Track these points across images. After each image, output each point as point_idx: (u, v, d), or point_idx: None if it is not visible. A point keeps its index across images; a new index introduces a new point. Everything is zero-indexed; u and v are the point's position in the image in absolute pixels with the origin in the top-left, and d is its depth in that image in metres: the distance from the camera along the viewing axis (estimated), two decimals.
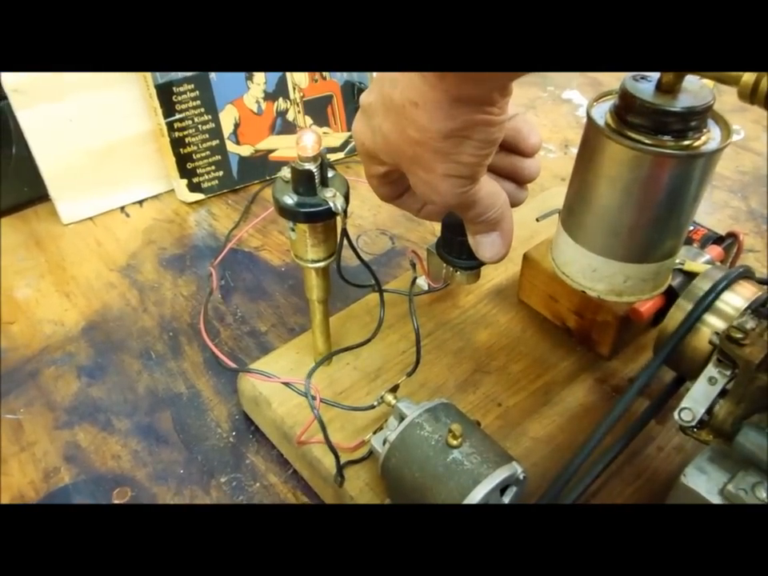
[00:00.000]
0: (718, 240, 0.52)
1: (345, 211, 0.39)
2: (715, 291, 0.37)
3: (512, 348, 0.52)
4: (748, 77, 0.31)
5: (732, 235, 0.53)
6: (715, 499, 0.31)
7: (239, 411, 0.51)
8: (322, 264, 0.42)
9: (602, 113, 0.38)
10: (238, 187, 0.73)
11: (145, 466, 0.48)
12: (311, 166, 0.38)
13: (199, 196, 0.72)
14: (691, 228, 0.53)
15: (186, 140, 0.68)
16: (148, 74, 0.65)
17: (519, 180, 0.41)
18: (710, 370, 0.35)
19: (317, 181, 0.38)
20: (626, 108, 0.36)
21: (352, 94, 0.76)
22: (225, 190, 0.73)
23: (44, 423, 0.50)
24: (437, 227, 0.51)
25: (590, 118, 0.37)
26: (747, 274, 0.39)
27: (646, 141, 0.35)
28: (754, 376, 0.32)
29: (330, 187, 0.39)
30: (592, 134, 0.37)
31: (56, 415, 0.51)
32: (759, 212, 0.70)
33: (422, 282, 0.54)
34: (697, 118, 0.35)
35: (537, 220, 0.53)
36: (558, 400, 0.48)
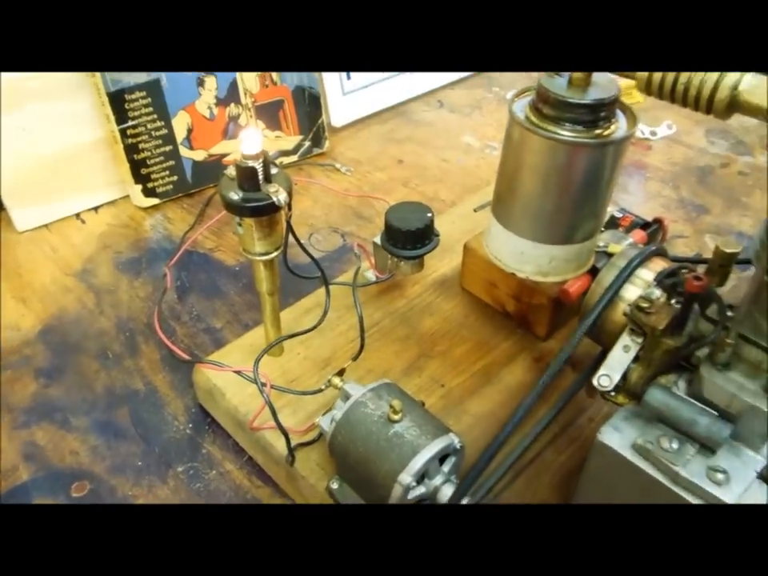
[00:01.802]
0: (644, 226, 0.56)
1: (288, 205, 0.42)
2: (630, 267, 0.40)
3: (455, 333, 0.55)
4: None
5: (657, 221, 0.57)
6: (627, 453, 0.34)
7: (195, 404, 0.53)
8: (269, 257, 0.45)
9: (521, 107, 0.41)
10: (192, 191, 0.75)
11: (103, 460, 0.49)
12: (254, 164, 0.40)
13: (154, 201, 0.73)
14: (620, 215, 0.57)
15: (140, 146, 0.70)
16: (100, 82, 0.66)
17: None
18: (624, 338, 0.38)
19: (260, 177, 0.41)
20: (543, 102, 0.39)
21: (303, 98, 0.79)
22: (180, 194, 0.74)
23: (2, 424, 0.52)
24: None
25: (511, 113, 0.40)
26: (660, 252, 0.42)
27: (561, 132, 0.39)
28: (659, 341, 0.35)
29: (273, 183, 0.41)
30: (514, 128, 0.40)
31: (13, 416, 0.52)
32: (689, 200, 0.75)
33: (370, 274, 0.57)
34: (605, 109, 0.39)
35: (474, 210, 0.56)
36: (497, 379, 0.51)
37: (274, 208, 0.41)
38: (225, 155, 0.76)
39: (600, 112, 0.38)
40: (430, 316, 0.56)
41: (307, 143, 0.81)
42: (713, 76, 0.32)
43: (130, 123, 0.69)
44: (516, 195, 0.41)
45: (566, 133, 0.38)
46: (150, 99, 0.70)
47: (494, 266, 0.54)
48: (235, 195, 0.41)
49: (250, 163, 0.40)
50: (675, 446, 0.33)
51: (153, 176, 0.72)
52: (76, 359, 0.57)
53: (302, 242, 0.44)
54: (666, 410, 0.34)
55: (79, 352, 0.57)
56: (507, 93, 0.97)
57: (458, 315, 0.56)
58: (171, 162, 0.73)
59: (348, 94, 0.87)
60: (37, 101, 0.66)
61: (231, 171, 0.42)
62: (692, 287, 0.33)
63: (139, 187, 0.72)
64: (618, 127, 0.39)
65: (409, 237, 0.51)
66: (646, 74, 0.34)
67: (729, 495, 0.32)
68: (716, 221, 0.71)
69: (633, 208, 0.61)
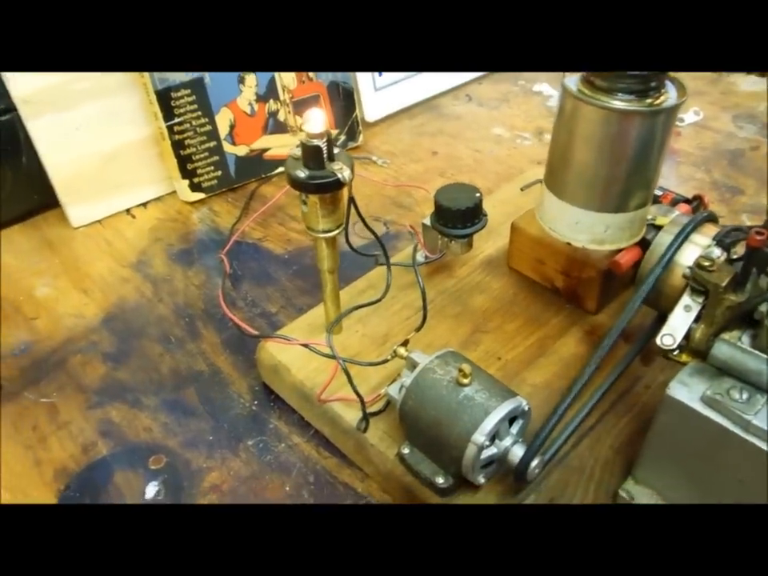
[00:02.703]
0: (685, 202, 0.58)
1: (350, 182, 0.44)
2: (685, 231, 0.42)
3: (506, 310, 0.57)
4: None
5: (697, 198, 0.58)
6: (697, 406, 0.36)
7: (258, 383, 0.55)
8: (331, 234, 0.47)
9: (574, 82, 0.43)
10: (236, 185, 0.78)
11: (175, 435, 0.52)
12: (319, 142, 0.42)
13: (200, 195, 0.76)
14: (660, 193, 0.58)
15: (186, 142, 0.73)
16: (148, 81, 0.69)
17: None
18: (685, 299, 0.40)
19: (324, 155, 0.43)
20: (595, 74, 0.41)
21: (337, 93, 0.81)
22: (224, 189, 0.77)
23: (77, 404, 0.54)
24: (426, 211, 0.56)
25: (564, 87, 0.42)
26: (711, 218, 0.44)
27: (614, 101, 0.41)
28: (722, 298, 0.37)
29: (337, 161, 0.44)
30: (567, 101, 0.42)
31: (87, 397, 0.55)
32: (722, 182, 0.76)
33: (419, 256, 0.59)
34: (655, 79, 0.41)
35: (521, 189, 0.58)
36: (551, 351, 0.53)
37: (338, 185, 0.43)
38: (265, 150, 0.78)
39: (650, 82, 0.41)
40: (480, 294, 0.58)
41: (343, 137, 0.83)
42: None
43: (177, 120, 0.71)
44: (570, 166, 0.43)
45: (618, 102, 0.40)
46: (194, 96, 0.72)
47: (541, 243, 0.56)
48: (301, 173, 0.43)
49: (315, 142, 0.43)
50: (745, 396, 0.35)
51: (198, 171, 0.75)
52: (140, 344, 0.59)
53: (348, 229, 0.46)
54: (734, 363, 0.36)
55: (142, 337, 0.60)
56: (533, 86, 0.99)
57: (508, 293, 0.58)
58: (215, 158, 0.75)
59: (380, 90, 0.89)
60: (89, 101, 0.69)
61: (296, 152, 0.44)
62: (754, 241, 0.35)
63: (186, 182, 0.74)
64: (669, 97, 0.41)
65: (459, 216, 0.53)
66: None
67: None
68: (751, 201, 0.73)
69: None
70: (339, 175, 0.43)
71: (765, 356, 0.35)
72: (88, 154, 0.70)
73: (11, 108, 0.66)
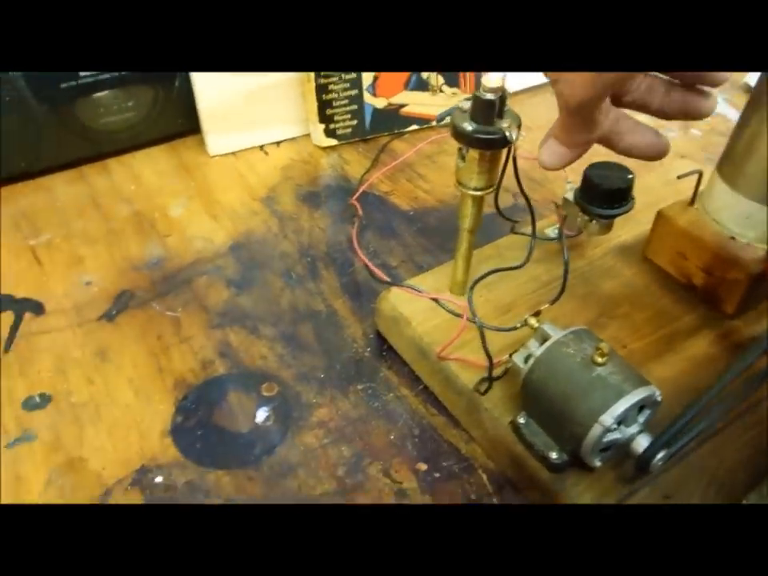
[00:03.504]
0: None
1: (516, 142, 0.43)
2: None
3: (636, 299, 0.54)
4: None
5: None
6: None
7: (373, 331, 0.55)
8: (482, 192, 0.46)
9: None
10: (368, 137, 0.78)
11: (289, 367, 0.53)
12: (493, 96, 0.41)
13: (333, 141, 0.76)
14: None
15: (329, 87, 0.73)
16: None
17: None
18: None
19: (495, 111, 0.42)
20: None
21: None
22: (357, 139, 0.77)
23: (199, 322, 0.56)
24: (557, 189, 0.54)
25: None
26: None
27: None
28: None
29: (506, 118, 0.42)
30: (764, 84, 0.39)
31: (209, 317, 0.56)
32: None
33: (550, 231, 0.58)
34: None
35: (678, 177, 0.55)
36: (680, 349, 0.51)
37: (504, 143, 0.42)
38: (403, 105, 0.78)
39: None
40: (610, 279, 0.56)
41: None
42: None
43: None
44: (755, 155, 0.41)
45: None
46: None
47: (687, 236, 0.53)
48: (468, 126, 0.42)
49: (489, 96, 0.42)
50: None
51: (336, 117, 0.75)
52: (263, 275, 0.60)
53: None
54: None
55: (265, 269, 0.61)
56: None
57: (639, 282, 0.56)
58: (354, 106, 0.75)
59: None
60: None
61: (465, 104, 0.43)
62: None
63: (322, 127, 0.75)
64: None
65: (608, 196, 0.51)
66: None
67: None
68: None
69: None
70: (507, 133, 0.42)
71: None
72: (237, 85, 0.72)
73: None
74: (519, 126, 0.43)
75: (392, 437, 0.48)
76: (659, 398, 0.40)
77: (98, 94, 0.69)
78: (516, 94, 0.87)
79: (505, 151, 0.45)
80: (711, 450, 0.44)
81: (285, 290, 0.59)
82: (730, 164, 0.43)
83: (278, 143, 0.77)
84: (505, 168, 0.45)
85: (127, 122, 0.72)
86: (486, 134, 0.42)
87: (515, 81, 0.86)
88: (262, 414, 0.49)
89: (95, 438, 0.47)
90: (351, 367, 0.53)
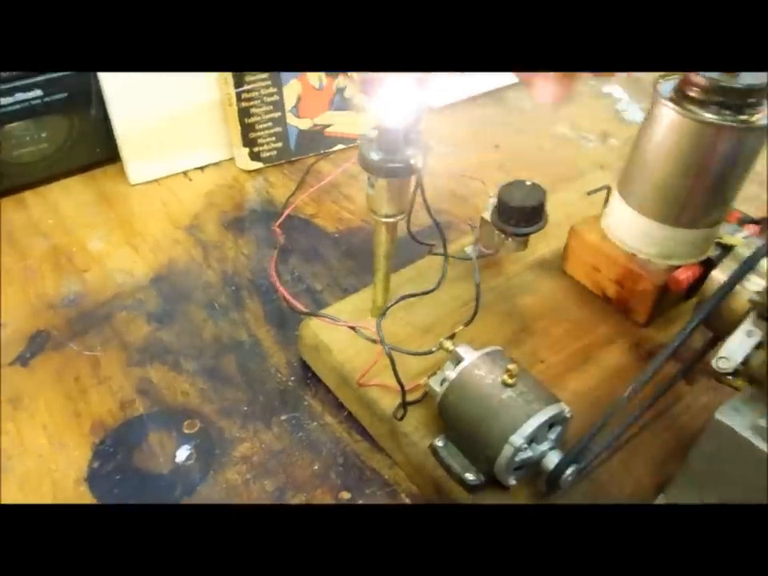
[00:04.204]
0: (753, 222, 0.56)
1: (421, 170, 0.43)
2: (757, 256, 0.40)
3: (554, 313, 0.56)
4: None
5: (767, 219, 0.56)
6: (746, 433, 0.35)
7: (297, 359, 0.55)
8: (394, 219, 0.46)
9: (668, 89, 0.41)
10: (294, 159, 0.78)
11: (211, 402, 0.52)
12: (397, 126, 0.42)
13: (258, 165, 0.76)
14: None
15: (252, 110, 0.73)
16: None
17: None
18: (748, 324, 0.38)
19: (401, 140, 0.42)
20: (691, 85, 0.40)
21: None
22: (282, 161, 0.77)
23: (119, 360, 0.55)
24: (480, 204, 0.54)
25: (656, 93, 0.41)
26: None
27: (708, 114, 0.39)
28: None
29: (411, 147, 0.43)
30: (658, 108, 0.41)
31: (129, 354, 0.55)
32: None
33: (469, 250, 0.58)
34: (756, 95, 0.39)
35: (588, 194, 0.56)
36: (596, 360, 0.52)
37: (410, 171, 0.43)
38: (327, 126, 0.78)
39: (749, 98, 0.39)
40: (528, 294, 0.57)
41: None
42: None
43: (246, 87, 0.71)
44: (651, 175, 0.42)
45: (711, 115, 0.39)
46: None
47: (599, 251, 0.55)
48: (375, 155, 0.43)
49: (394, 125, 0.42)
50: None
51: (259, 140, 0.75)
52: (185, 307, 0.60)
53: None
54: None
55: (188, 301, 0.60)
56: (603, 86, 0.96)
57: (557, 296, 0.57)
58: (278, 129, 0.75)
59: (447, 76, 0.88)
60: None
61: (371, 133, 0.44)
62: None
63: (246, 150, 0.75)
64: (764, 116, 0.40)
65: (520, 214, 0.52)
66: None
67: None
68: None
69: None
70: (413, 162, 0.43)
71: None
72: (155, 112, 0.71)
73: None
74: (425, 154, 0.43)
75: (316, 467, 0.48)
76: (569, 415, 0.41)
77: (10, 126, 0.67)
78: (440, 109, 0.88)
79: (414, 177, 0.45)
80: (621, 461, 0.45)
81: (207, 321, 0.59)
82: (629, 184, 0.44)
83: (202, 168, 0.77)
84: (413, 196, 0.46)
85: (42, 152, 0.70)
86: (393, 162, 0.43)
87: (439, 96, 0.87)
88: (183, 453, 0.49)
89: (6, 493, 0.45)
90: (275, 398, 0.52)
